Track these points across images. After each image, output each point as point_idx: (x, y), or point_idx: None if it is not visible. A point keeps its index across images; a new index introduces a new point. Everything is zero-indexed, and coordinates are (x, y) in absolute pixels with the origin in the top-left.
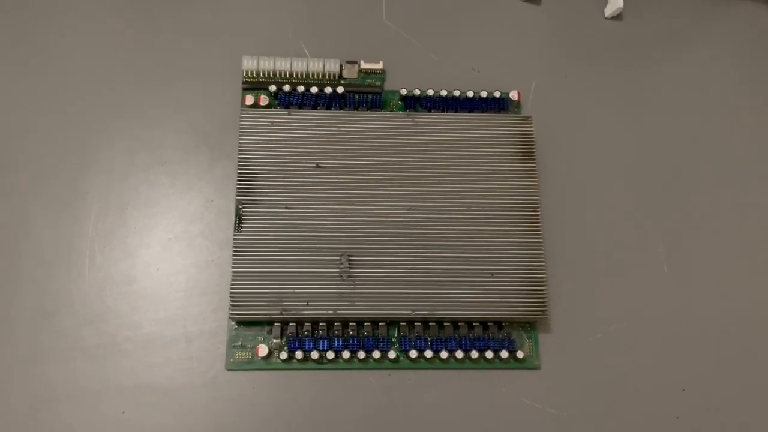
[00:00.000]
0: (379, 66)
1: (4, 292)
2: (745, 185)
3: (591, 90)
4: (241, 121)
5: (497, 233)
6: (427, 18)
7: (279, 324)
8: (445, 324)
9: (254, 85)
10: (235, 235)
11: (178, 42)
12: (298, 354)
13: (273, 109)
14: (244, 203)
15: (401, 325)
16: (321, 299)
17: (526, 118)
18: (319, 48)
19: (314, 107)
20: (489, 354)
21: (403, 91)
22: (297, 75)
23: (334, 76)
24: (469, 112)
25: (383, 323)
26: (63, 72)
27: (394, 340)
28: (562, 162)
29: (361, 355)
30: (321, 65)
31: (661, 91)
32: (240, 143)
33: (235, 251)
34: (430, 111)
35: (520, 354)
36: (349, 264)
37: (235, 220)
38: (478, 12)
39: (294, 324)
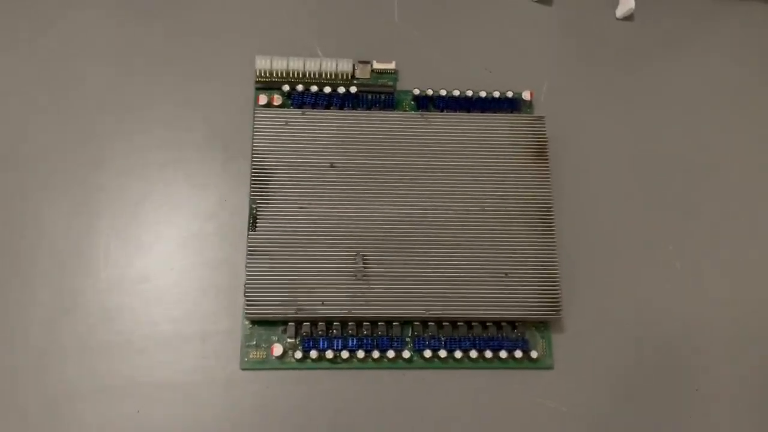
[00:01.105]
0: (392, 66)
1: (20, 290)
2: (756, 184)
3: (603, 90)
4: (256, 120)
5: (510, 233)
6: (439, 18)
7: (293, 323)
8: (458, 324)
9: (267, 84)
10: (249, 235)
11: (192, 41)
12: (313, 353)
13: (287, 109)
14: (258, 203)
15: (415, 325)
16: (336, 299)
17: (539, 118)
18: (332, 48)
19: (327, 107)
20: (503, 354)
21: (416, 91)
22: (310, 75)
23: (347, 76)
24: (482, 112)
25: (397, 323)
26: (79, 72)
27: (408, 339)
28: (575, 161)
29: (376, 354)
30: (334, 65)
31: (672, 91)
32: (254, 143)
33: (249, 251)
34: (442, 111)
35: (534, 354)
36: (364, 264)
37: (250, 220)
38: (490, 12)
39: (308, 323)
